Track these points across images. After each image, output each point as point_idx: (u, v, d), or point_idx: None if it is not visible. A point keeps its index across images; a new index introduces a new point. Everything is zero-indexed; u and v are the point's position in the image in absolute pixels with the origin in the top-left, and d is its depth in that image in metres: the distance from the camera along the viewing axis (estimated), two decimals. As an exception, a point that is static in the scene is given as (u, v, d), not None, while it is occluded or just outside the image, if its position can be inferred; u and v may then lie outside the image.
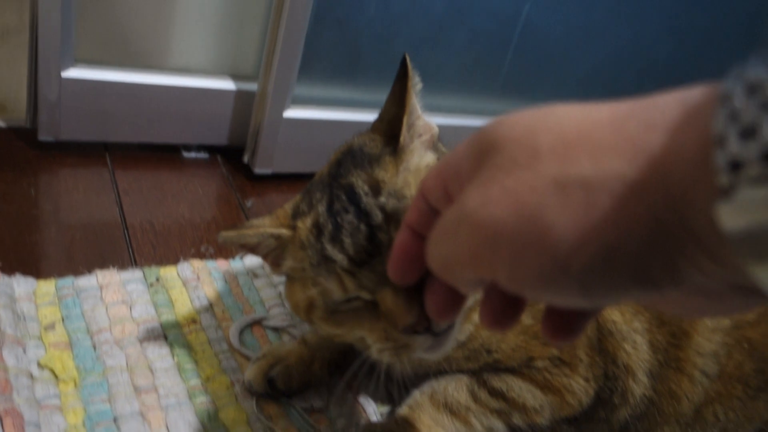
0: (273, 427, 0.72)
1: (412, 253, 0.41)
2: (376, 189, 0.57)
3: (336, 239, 0.56)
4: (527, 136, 0.31)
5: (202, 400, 0.73)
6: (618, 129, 0.28)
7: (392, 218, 0.56)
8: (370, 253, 0.55)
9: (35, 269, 0.85)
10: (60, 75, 1.04)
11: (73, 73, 1.06)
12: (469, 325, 0.69)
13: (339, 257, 0.56)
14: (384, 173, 0.58)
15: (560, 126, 0.30)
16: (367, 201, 0.56)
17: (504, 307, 0.37)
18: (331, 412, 0.77)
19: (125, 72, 1.12)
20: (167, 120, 1.18)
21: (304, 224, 0.60)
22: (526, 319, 0.69)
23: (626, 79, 1.56)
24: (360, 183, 0.58)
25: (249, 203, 1.18)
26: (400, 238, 0.42)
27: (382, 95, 0.63)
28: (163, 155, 1.24)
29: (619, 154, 0.27)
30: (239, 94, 1.21)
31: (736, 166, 0.22)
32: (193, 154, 1.27)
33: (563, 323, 0.36)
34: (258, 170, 1.23)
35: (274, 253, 0.64)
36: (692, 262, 0.27)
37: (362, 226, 0.55)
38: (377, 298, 0.57)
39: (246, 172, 1.26)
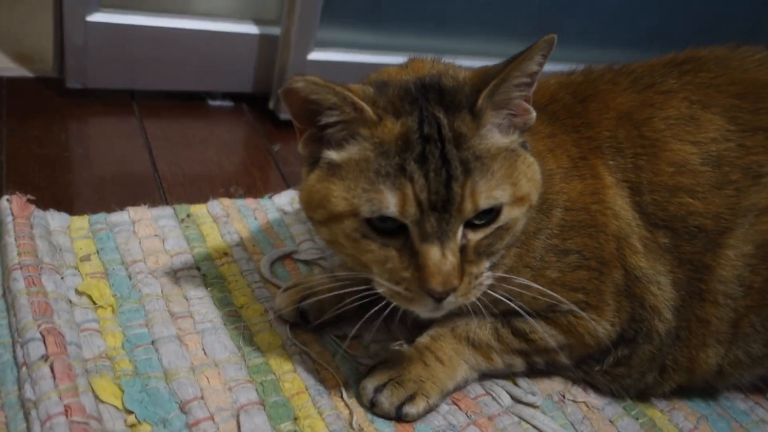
0: (307, 350, 0.73)
1: None
2: (458, 140, 0.55)
3: (422, 164, 0.54)
4: None
5: (237, 325, 0.74)
6: None
7: (468, 177, 0.54)
8: (444, 202, 0.54)
9: (69, 207, 0.86)
10: (85, 19, 1.05)
11: (98, 17, 1.07)
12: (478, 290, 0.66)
13: (420, 183, 0.54)
14: (464, 127, 0.56)
15: None
16: (449, 149, 0.55)
17: None
18: (365, 338, 0.77)
19: (149, 16, 1.12)
20: (191, 66, 1.18)
21: (393, 125, 0.55)
22: (552, 273, 0.68)
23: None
24: (446, 125, 0.55)
25: (276, 148, 1.17)
26: None
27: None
28: (189, 104, 1.25)
29: None
30: (263, 39, 1.20)
31: None
32: (218, 102, 1.27)
33: None
34: (284, 116, 1.22)
35: (335, 130, 0.57)
36: None
37: (443, 172, 0.54)
38: (421, 249, 0.55)
39: (272, 119, 1.25)
